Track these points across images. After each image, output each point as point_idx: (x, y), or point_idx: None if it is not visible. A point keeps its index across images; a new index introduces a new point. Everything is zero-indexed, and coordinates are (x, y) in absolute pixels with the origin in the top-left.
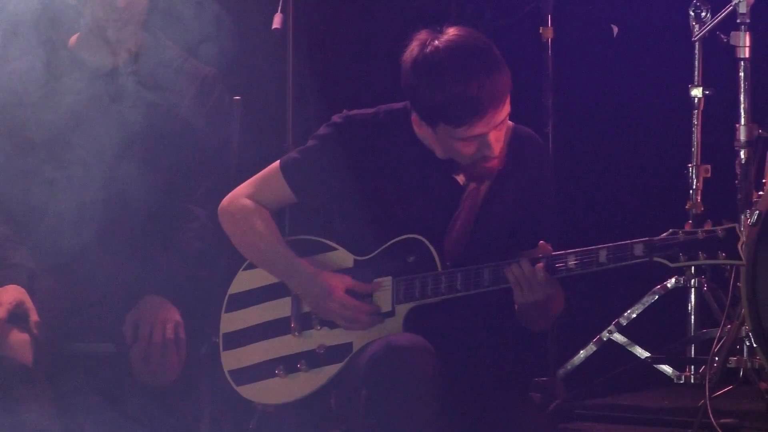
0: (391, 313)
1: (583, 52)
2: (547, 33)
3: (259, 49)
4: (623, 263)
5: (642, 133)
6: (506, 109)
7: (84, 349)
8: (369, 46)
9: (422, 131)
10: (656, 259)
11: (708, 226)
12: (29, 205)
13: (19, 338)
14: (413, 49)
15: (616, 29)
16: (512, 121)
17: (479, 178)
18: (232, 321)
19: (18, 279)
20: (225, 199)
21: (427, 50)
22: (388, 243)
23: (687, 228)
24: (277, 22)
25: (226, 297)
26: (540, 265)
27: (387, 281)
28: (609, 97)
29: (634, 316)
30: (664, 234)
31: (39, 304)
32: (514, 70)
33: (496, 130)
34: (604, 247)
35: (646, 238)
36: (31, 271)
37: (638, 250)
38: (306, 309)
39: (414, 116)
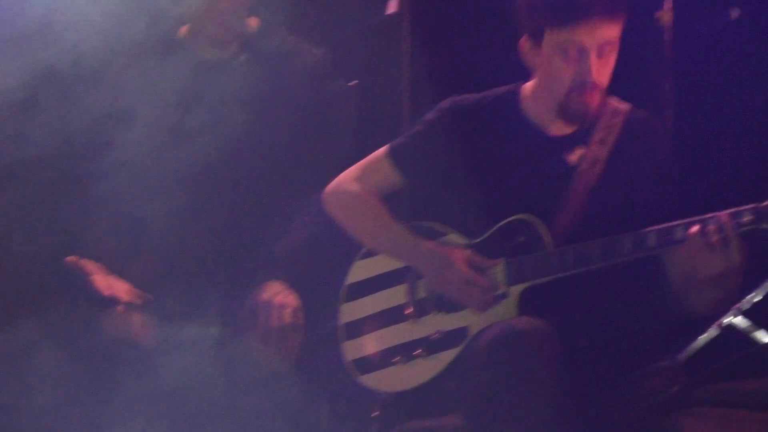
0: (505, 295)
1: (702, 37)
2: (665, 16)
3: (374, 33)
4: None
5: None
6: (615, 28)
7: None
8: (485, 29)
9: (532, 58)
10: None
11: None
12: (141, 190)
13: (139, 320)
14: None
15: (735, 12)
16: (629, 103)
17: (576, 118)
18: (352, 310)
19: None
20: (330, 184)
21: None
22: (499, 224)
23: None
24: (392, 6)
25: (346, 287)
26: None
27: (499, 263)
28: (731, 83)
29: (757, 300)
30: None
31: (145, 285)
32: (631, 56)
33: (601, 55)
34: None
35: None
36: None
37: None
38: (422, 295)
39: (524, 43)
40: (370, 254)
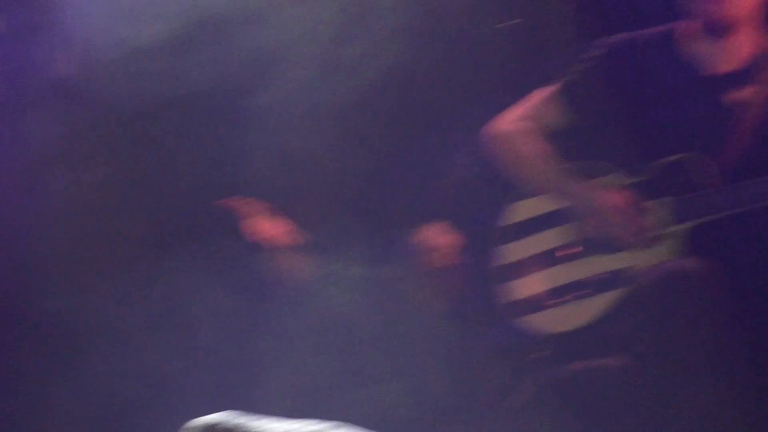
0: (669, 235)
1: None
2: None
3: None
4: None
5: None
6: None
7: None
8: None
9: None
10: None
11: None
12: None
13: (298, 259)
14: None
15: None
16: None
17: (710, 22)
18: (514, 251)
19: None
20: (492, 123)
21: None
22: (661, 162)
23: None
24: None
25: (508, 227)
26: None
27: (663, 202)
28: None
29: None
30: None
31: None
32: None
33: None
34: None
35: None
36: None
37: None
38: (584, 236)
39: None
40: (531, 194)
